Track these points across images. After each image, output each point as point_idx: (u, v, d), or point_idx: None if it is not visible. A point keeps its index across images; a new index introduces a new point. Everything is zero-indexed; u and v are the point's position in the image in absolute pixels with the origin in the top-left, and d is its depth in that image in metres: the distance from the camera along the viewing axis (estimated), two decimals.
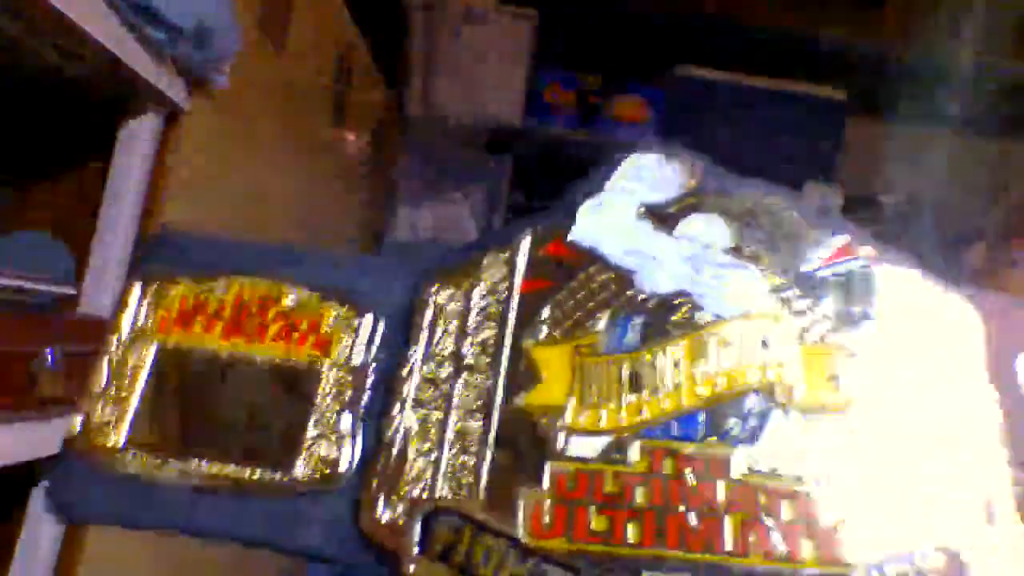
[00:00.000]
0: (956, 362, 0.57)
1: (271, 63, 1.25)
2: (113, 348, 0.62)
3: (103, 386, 0.61)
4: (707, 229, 0.62)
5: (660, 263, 0.61)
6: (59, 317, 0.81)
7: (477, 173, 2.38)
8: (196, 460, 0.59)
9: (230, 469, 0.58)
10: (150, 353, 0.62)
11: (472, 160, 2.38)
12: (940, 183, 2.37)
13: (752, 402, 0.56)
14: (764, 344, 0.57)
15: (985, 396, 0.56)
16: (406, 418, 0.59)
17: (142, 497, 0.58)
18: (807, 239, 0.60)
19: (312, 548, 0.59)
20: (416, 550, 0.54)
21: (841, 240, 0.60)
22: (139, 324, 0.63)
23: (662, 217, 0.63)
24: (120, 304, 0.62)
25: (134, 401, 0.60)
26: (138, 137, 0.92)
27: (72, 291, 0.87)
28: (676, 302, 0.60)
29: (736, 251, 0.61)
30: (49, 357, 0.75)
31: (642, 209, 0.63)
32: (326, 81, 1.58)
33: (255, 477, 0.59)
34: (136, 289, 0.63)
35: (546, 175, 2.42)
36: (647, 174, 0.64)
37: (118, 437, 0.60)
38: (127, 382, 0.61)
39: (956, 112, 2.33)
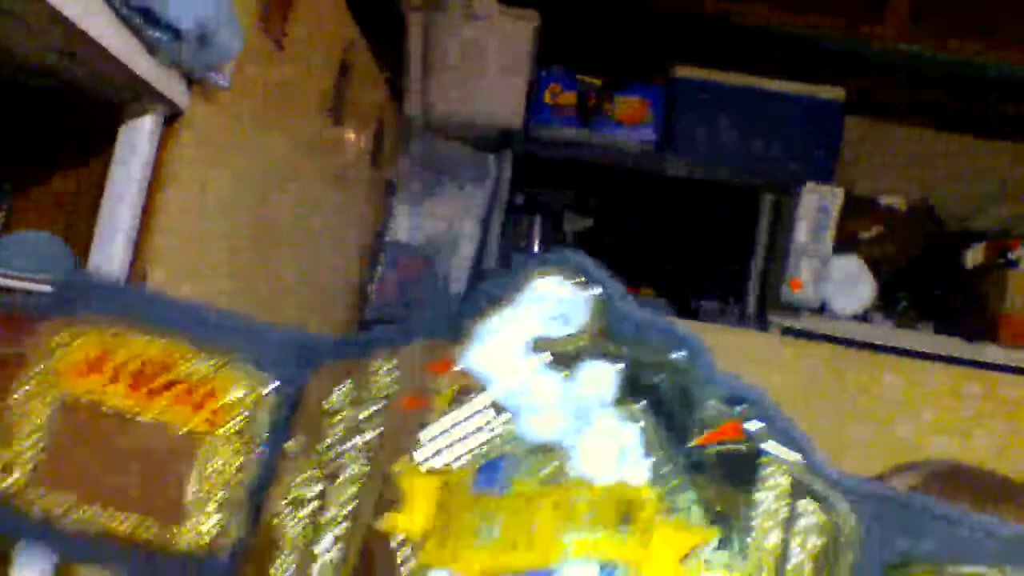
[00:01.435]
0: None
1: (271, 63, 1.25)
2: (18, 394, 0.63)
3: (11, 420, 0.62)
4: (597, 381, 0.59)
5: (542, 409, 0.59)
6: None
7: (477, 173, 2.38)
8: (94, 509, 0.60)
9: (125, 524, 0.60)
10: (54, 401, 0.62)
11: (472, 160, 2.38)
12: (940, 183, 2.38)
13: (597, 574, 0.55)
14: (625, 518, 0.55)
15: None
16: (283, 507, 0.60)
17: (44, 534, 0.61)
18: (698, 409, 0.58)
19: None
20: None
21: (732, 418, 0.57)
22: (45, 371, 0.63)
23: (556, 354, 0.60)
24: (28, 350, 0.63)
25: (37, 446, 0.61)
26: (138, 137, 0.92)
27: None
28: (550, 453, 0.59)
29: (623, 408, 0.59)
30: None
31: (536, 342, 0.61)
32: (326, 81, 1.58)
33: (146, 534, 0.60)
34: (43, 336, 0.63)
35: (546, 175, 2.43)
36: (549, 303, 0.61)
37: (24, 473, 0.61)
38: (31, 427, 0.62)
39: (956, 112, 2.33)
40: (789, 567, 0.54)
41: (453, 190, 2.38)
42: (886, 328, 2.17)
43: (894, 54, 2.13)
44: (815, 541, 0.54)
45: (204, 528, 0.61)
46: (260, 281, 1.32)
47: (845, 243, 2.11)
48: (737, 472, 0.56)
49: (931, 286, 2.24)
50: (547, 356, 0.61)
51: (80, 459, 0.62)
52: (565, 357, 0.60)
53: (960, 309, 2.15)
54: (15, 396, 0.63)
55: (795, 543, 0.54)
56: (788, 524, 0.54)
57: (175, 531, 0.60)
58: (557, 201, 2.50)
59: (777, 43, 2.18)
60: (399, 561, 0.58)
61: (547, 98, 2.25)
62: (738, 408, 0.58)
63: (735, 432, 0.57)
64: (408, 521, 0.59)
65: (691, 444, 0.57)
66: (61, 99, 0.94)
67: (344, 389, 0.62)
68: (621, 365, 0.59)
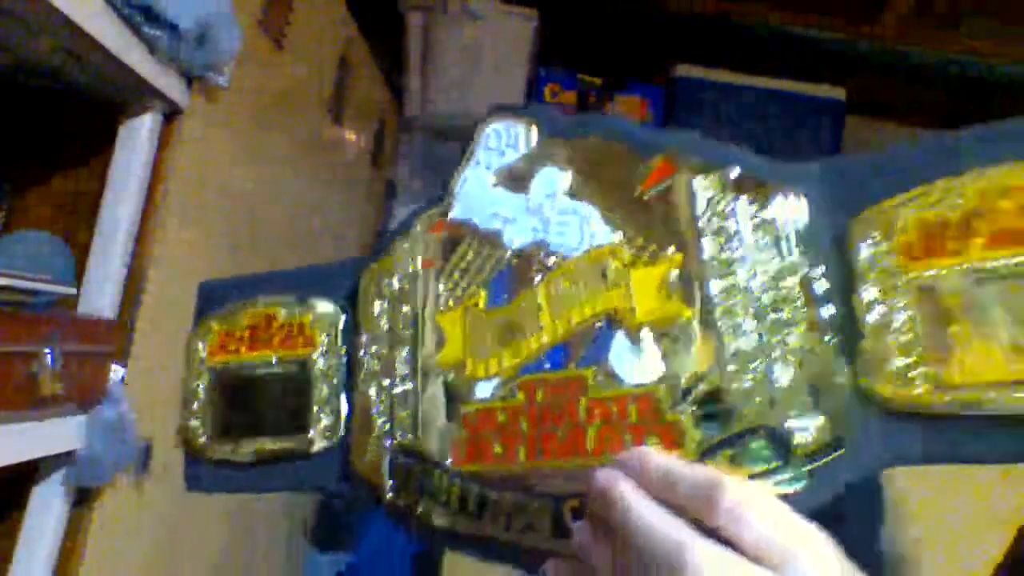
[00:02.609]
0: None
1: (271, 62, 1.25)
2: (191, 380, 0.84)
3: (189, 406, 0.83)
4: (548, 180, 0.71)
5: (515, 221, 0.72)
6: (59, 317, 0.81)
7: None
8: (248, 441, 0.79)
9: (267, 445, 0.79)
10: (207, 376, 0.84)
11: None
12: None
13: (600, 328, 0.65)
14: (604, 275, 0.66)
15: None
16: (367, 387, 0.75)
17: (224, 472, 0.81)
18: (633, 168, 0.67)
19: (326, 487, 0.77)
20: (389, 482, 0.71)
21: (660, 159, 0.66)
22: (199, 359, 0.85)
23: (514, 177, 0.73)
24: (188, 353, 0.85)
25: (207, 409, 0.83)
26: (138, 137, 0.92)
27: (72, 291, 0.87)
28: (532, 252, 0.70)
29: (575, 194, 0.70)
30: (49, 357, 0.75)
31: (498, 175, 0.74)
32: (326, 80, 1.58)
33: (284, 447, 0.78)
34: (195, 340, 0.85)
35: None
36: (496, 142, 0.76)
37: (205, 436, 0.82)
38: (201, 398, 0.83)
39: (956, 112, 2.33)
40: (755, 260, 0.58)
41: None
42: None
43: (894, 54, 2.13)
44: (766, 228, 0.58)
45: (320, 429, 0.78)
46: None
47: None
48: (678, 205, 0.64)
49: None
50: (509, 181, 0.73)
51: (233, 408, 0.83)
52: (523, 175, 0.72)
53: None
54: (188, 381, 0.83)
55: (747, 231, 0.59)
56: (741, 223, 0.60)
57: (304, 439, 0.77)
58: None
59: (777, 43, 2.18)
60: (454, 385, 0.71)
61: (547, 97, 2.25)
62: (663, 150, 0.66)
63: (667, 169, 0.65)
64: (450, 352, 0.72)
65: (637, 194, 0.66)
66: (62, 99, 0.94)
67: (380, 280, 0.78)
68: (567, 165, 0.71)
